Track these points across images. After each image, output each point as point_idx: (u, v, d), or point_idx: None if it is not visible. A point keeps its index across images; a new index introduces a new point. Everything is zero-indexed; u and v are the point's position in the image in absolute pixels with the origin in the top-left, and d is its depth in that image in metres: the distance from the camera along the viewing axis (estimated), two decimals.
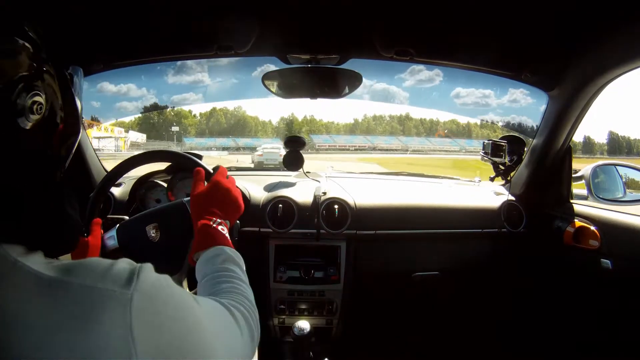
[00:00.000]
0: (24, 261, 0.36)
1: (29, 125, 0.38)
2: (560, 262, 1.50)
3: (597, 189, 1.44)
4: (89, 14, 1.05)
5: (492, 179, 1.68)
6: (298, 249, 1.47)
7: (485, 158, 1.60)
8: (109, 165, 1.27)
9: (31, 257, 0.37)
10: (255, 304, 0.61)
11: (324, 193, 1.47)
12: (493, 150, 1.55)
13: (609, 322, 1.37)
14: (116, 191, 1.46)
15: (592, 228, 1.33)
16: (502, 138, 1.57)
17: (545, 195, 1.54)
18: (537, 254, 1.57)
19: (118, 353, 0.34)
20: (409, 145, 52.09)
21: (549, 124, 1.43)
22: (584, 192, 1.45)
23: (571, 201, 1.49)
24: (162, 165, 1.26)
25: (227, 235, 0.72)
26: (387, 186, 1.80)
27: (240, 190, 0.81)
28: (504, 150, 1.53)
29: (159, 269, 0.43)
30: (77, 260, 0.38)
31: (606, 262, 1.27)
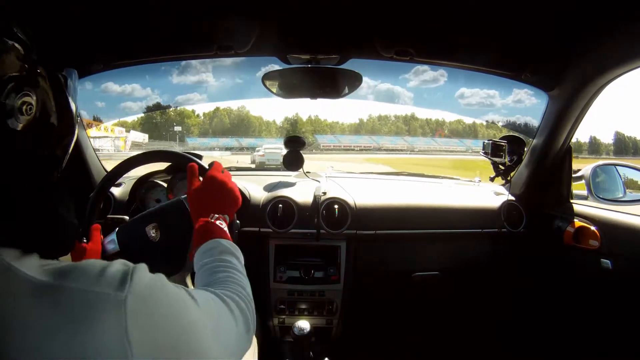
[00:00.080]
0: (17, 266, 0.36)
1: (19, 126, 0.39)
2: (560, 262, 1.50)
3: (597, 189, 1.43)
4: (89, 14, 1.05)
5: (492, 179, 1.68)
6: (298, 249, 1.47)
7: (486, 158, 1.60)
8: (109, 166, 1.27)
9: (25, 260, 0.37)
10: (255, 304, 0.60)
11: (324, 193, 1.47)
12: (493, 150, 1.55)
13: (609, 322, 1.36)
14: (116, 191, 1.46)
15: (592, 228, 1.33)
16: (502, 138, 1.57)
17: (545, 195, 1.54)
18: (537, 254, 1.56)
19: (114, 355, 0.34)
20: (415, 146, 51.94)
21: (549, 124, 1.43)
22: (584, 192, 1.45)
23: (571, 201, 1.49)
24: (162, 165, 1.26)
25: (225, 229, 0.72)
26: (387, 186, 1.80)
27: (240, 189, 0.81)
28: (504, 150, 1.52)
29: (161, 269, 0.43)
30: (72, 263, 0.39)
31: (606, 262, 1.27)
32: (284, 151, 1.63)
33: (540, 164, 1.51)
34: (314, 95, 1.52)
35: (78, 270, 0.37)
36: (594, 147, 57.75)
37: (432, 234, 1.52)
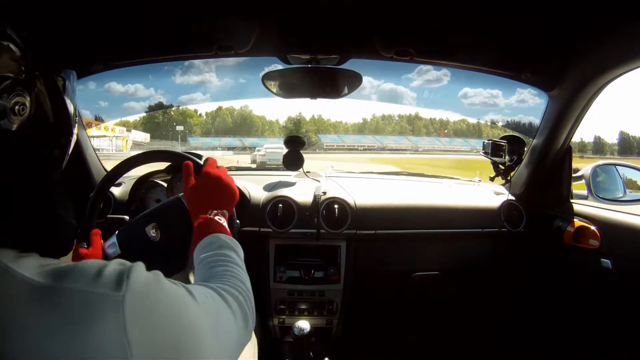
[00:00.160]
0: (15, 267, 0.36)
1: (13, 127, 0.39)
2: (560, 262, 1.50)
3: (597, 189, 1.43)
4: (89, 14, 1.05)
5: (492, 179, 1.68)
6: (298, 249, 1.47)
7: (486, 158, 1.60)
8: (109, 166, 1.27)
9: (23, 261, 0.37)
10: (255, 304, 0.60)
11: (324, 193, 1.47)
12: (493, 150, 1.55)
13: (609, 322, 1.36)
14: (116, 191, 1.46)
15: (592, 228, 1.33)
16: (502, 138, 1.57)
17: (545, 195, 1.54)
18: (537, 254, 1.56)
19: (114, 356, 0.34)
20: (419, 145, 51.64)
21: (549, 124, 1.43)
22: (584, 192, 1.45)
23: (571, 201, 1.49)
24: (162, 165, 1.26)
25: (224, 224, 0.72)
26: (387, 186, 1.80)
27: (239, 188, 0.81)
28: (504, 150, 1.52)
29: (162, 269, 0.43)
30: (71, 264, 0.39)
31: (606, 262, 1.26)
32: (286, 151, 1.63)
33: (540, 164, 1.51)
34: (314, 95, 1.52)
35: (76, 271, 0.37)
36: (598, 147, 57.47)
37: (432, 233, 1.52)
